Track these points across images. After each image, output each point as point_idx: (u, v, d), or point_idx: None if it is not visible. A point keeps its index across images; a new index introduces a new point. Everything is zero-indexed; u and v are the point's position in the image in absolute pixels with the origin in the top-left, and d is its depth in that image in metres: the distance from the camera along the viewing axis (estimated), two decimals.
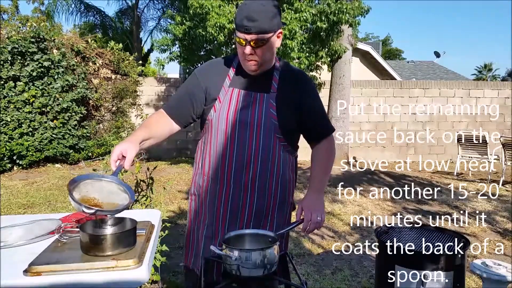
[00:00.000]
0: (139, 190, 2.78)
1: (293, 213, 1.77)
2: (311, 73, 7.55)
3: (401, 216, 4.80)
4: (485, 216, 4.83)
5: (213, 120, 1.62)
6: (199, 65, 7.62)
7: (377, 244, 2.01)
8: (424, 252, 1.83)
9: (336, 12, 6.57)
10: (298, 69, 1.81)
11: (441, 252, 1.83)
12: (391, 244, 1.89)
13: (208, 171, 1.65)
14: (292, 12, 6.51)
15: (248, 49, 1.50)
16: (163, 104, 1.75)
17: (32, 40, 7.20)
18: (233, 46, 6.80)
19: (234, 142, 1.59)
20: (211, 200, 1.65)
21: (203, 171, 1.68)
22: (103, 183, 1.34)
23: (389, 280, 1.84)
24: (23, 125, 7.15)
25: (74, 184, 1.27)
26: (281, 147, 1.63)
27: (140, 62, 9.91)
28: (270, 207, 1.65)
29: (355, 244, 3.88)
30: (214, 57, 7.14)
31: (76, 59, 7.98)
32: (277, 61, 1.68)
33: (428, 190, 6.63)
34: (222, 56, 1.82)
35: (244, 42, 1.49)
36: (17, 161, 7.16)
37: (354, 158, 9.82)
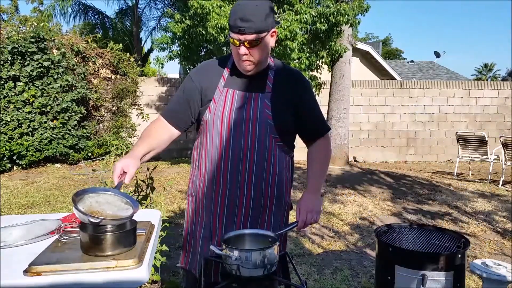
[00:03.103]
0: (139, 190, 2.79)
1: (291, 212, 1.77)
2: (311, 73, 7.54)
3: (401, 216, 4.80)
4: (485, 216, 4.84)
5: (208, 121, 1.62)
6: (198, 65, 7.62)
7: (377, 244, 2.01)
8: (424, 252, 1.83)
9: (335, 13, 6.58)
10: (294, 69, 1.81)
11: (441, 252, 1.83)
12: (391, 244, 1.89)
13: (204, 172, 1.66)
14: (293, 13, 6.52)
15: (242, 50, 1.50)
16: (162, 110, 1.76)
17: (32, 40, 7.20)
18: None
19: (230, 143, 1.59)
20: (208, 200, 1.65)
21: (199, 172, 1.69)
22: (107, 197, 1.35)
23: (389, 280, 1.84)
24: (23, 125, 7.15)
25: (79, 197, 1.28)
26: (277, 147, 1.63)
27: (140, 62, 9.91)
28: (266, 206, 1.65)
29: (355, 244, 3.88)
30: (214, 57, 7.15)
31: (76, 59, 7.99)
32: (271, 61, 1.68)
33: (428, 190, 6.67)
34: (217, 57, 1.83)
35: (238, 43, 1.49)
36: (17, 161, 7.16)
37: (354, 158, 9.82)
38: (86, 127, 8.01)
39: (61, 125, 7.49)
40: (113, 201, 1.34)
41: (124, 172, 1.44)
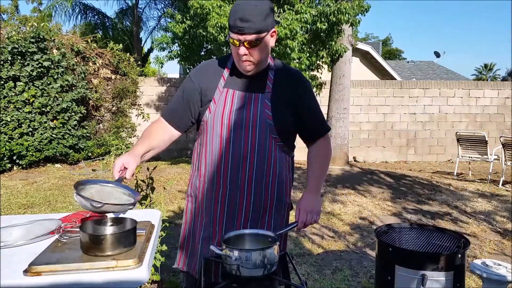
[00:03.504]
0: (139, 190, 2.79)
1: (291, 212, 1.77)
2: (312, 73, 7.54)
3: (401, 216, 4.80)
4: (485, 216, 4.84)
5: (208, 121, 1.62)
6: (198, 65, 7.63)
7: (377, 244, 2.01)
8: (424, 252, 1.83)
9: (336, 12, 6.58)
10: (294, 68, 1.80)
11: (441, 252, 1.83)
12: (391, 244, 1.89)
13: (204, 173, 1.65)
14: (293, 13, 6.52)
15: (242, 50, 1.49)
16: (162, 111, 1.76)
17: (32, 40, 7.20)
18: None
19: (230, 144, 1.59)
20: (208, 201, 1.65)
21: (199, 172, 1.68)
22: (108, 189, 1.36)
23: (389, 280, 1.84)
24: (23, 125, 7.15)
25: (80, 187, 1.28)
26: (277, 147, 1.63)
27: (140, 62, 9.91)
28: (267, 207, 1.65)
29: (355, 244, 3.88)
30: (214, 57, 7.15)
31: (76, 59, 7.99)
32: (271, 61, 1.68)
33: (428, 190, 6.67)
34: (216, 57, 1.83)
35: (238, 43, 1.49)
36: (17, 161, 7.16)
37: (354, 158, 9.82)
38: (86, 127, 8.01)
39: (61, 125, 7.49)
40: (114, 192, 1.35)
41: (124, 168, 1.45)
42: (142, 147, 1.58)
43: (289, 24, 6.25)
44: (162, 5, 15.60)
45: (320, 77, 7.87)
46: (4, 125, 6.99)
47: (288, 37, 6.32)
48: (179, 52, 7.85)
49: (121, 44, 8.61)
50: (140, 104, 8.96)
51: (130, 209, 1.32)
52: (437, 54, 23.48)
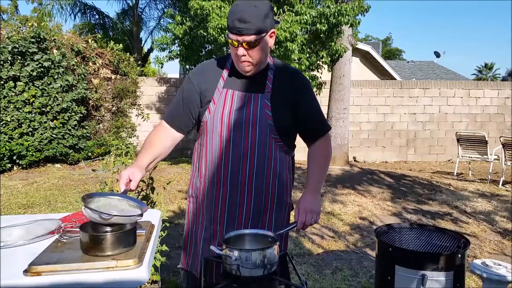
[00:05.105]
0: (139, 190, 2.79)
1: (292, 213, 1.77)
2: (312, 73, 7.54)
3: (401, 216, 4.80)
4: (485, 216, 4.84)
5: (208, 122, 1.62)
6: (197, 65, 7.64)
7: (377, 244, 2.01)
8: (424, 252, 1.83)
9: (336, 14, 6.58)
10: (293, 68, 1.79)
11: (441, 252, 1.83)
12: (391, 244, 1.89)
13: (204, 173, 1.65)
14: (293, 14, 6.51)
15: (241, 51, 1.49)
16: (164, 115, 1.77)
17: (32, 40, 7.20)
18: None
19: (230, 144, 1.59)
20: (208, 202, 1.65)
21: (200, 173, 1.68)
22: (114, 201, 1.37)
23: (389, 280, 1.83)
24: (23, 125, 7.15)
25: (88, 200, 1.29)
26: (277, 147, 1.63)
27: (140, 62, 9.92)
28: (267, 207, 1.65)
29: (355, 244, 3.88)
30: (214, 57, 7.15)
31: (76, 59, 7.99)
32: (271, 60, 1.67)
33: (428, 190, 6.67)
34: (215, 57, 1.82)
35: (236, 44, 1.48)
36: (17, 161, 7.16)
37: (354, 158, 9.82)
38: (86, 127, 8.01)
39: (61, 125, 7.50)
40: (121, 204, 1.36)
41: (130, 180, 1.47)
42: (146, 158, 1.59)
43: (289, 27, 6.25)
44: (162, 6, 15.62)
45: (320, 77, 7.87)
46: (4, 125, 6.99)
47: (288, 40, 6.31)
48: (179, 52, 7.86)
49: (121, 44, 8.61)
50: (140, 104, 8.96)
51: (138, 220, 1.33)
52: (437, 54, 23.46)
